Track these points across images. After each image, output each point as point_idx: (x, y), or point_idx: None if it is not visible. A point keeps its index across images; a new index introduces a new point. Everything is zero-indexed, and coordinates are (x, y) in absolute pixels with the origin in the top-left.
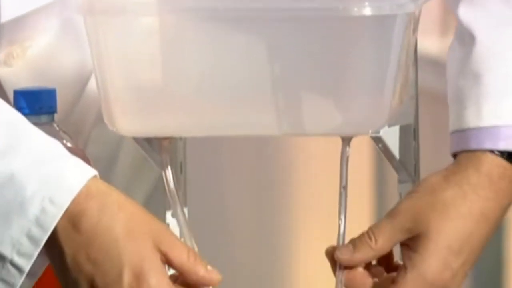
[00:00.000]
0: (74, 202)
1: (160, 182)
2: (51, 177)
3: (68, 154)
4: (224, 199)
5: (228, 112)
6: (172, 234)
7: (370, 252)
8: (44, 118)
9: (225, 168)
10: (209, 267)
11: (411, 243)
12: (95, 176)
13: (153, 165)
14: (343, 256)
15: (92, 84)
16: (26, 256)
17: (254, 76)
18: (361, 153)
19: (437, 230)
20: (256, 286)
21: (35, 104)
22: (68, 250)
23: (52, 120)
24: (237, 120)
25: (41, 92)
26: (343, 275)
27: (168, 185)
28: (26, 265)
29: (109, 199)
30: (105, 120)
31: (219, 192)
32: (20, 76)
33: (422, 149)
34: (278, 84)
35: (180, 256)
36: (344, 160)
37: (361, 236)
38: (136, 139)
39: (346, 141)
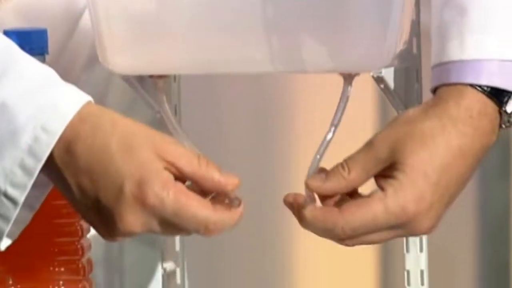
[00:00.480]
0: (67, 128)
1: (150, 125)
2: (44, 104)
3: (61, 81)
4: (221, 143)
5: (223, 46)
6: (177, 144)
7: (343, 182)
8: (35, 59)
9: (222, 111)
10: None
11: (386, 172)
12: (89, 102)
13: (144, 108)
14: (314, 182)
15: (82, 25)
16: (20, 187)
17: (250, 8)
18: (364, 100)
19: (413, 159)
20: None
21: (26, 44)
22: (69, 176)
23: (43, 61)
24: (233, 56)
25: (32, 32)
26: (313, 209)
27: (170, 120)
28: (20, 197)
29: (102, 119)
30: (99, 58)
31: (215, 135)
32: (8, 18)
33: (425, 92)
34: (275, 17)
35: (190, 163)
36: (343, 99)
37: (335, 166)
38: (128, 81)
39: (348, 80)
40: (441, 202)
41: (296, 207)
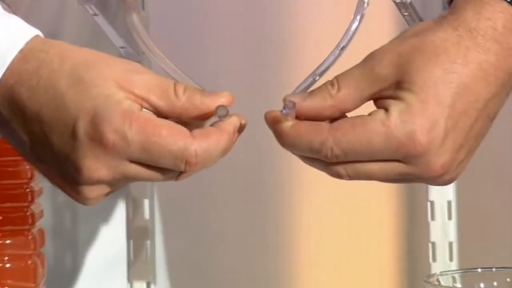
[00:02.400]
0: (7, 71)
1: None
2: None
3: (1, 12)
4: (203, 64)
5: None
6: (146, 72)
7: (328, 100)
8: None
9: (203, 23)
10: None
11: (388, 92)
12: (35, 37)
13: (108, 43)
14: (293, 98)
15: None
16: None
17: None
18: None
19: (422, 76)
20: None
21: None
22: (18, 126)
23: None
24: None
25: None
26: (298, 122)
27: (140, 36)
28: None
29: (49, 54)
30: None
31: (195, 54)
32: None
33: None
34: None
35: (166, 94)
36: (356, 16)
37: (323, 83)
38: (87, 4)
39: None
40: (459, 132)
41: (276, 121)
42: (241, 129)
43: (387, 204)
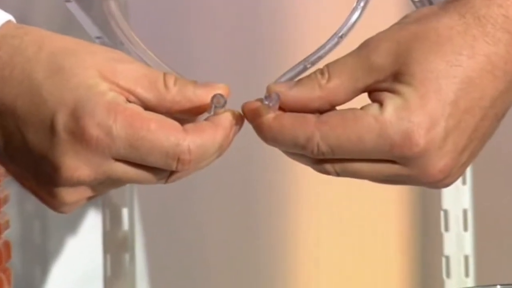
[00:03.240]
0: None
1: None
2: None
3: None
4: (189, 56)
5: None
6: (132, 62)
7: (316, 90)
8: None
9: (187, 13)
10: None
11: (384, 85)
12: (7, 22)
13: (81, 31)
14: (277, 87)
15: None
16: None
17: None
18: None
19: (423, 67)
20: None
21: None
22: None
23: None
24: None
25: None
26: (281, 114)
27: (113, 17)
28: None
29: (24, 41)
30: None
31: (180, 46)
32: None
33: None
34: None
35: (155, 85)
36: (360, 3)
37: (312, 72)
38: None
39: None
40: (461, 132)
41: (257, 114)
42: (238, 124)
43: (395, 213)
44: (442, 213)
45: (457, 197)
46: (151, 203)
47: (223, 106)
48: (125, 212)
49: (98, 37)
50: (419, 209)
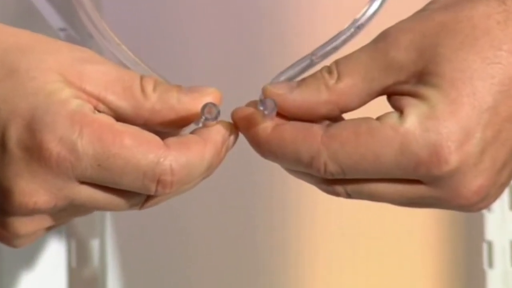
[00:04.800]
0: None
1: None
2: None
3: None
4: (173, 54)
5: None
6: (103, 62)
7: (323, 93)
8: None
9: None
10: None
11: (406, 87)
12: None
13: (43, 24)
14: (276, 89)
15: None
16: None
17: None
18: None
19: (453, 66)
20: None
21: None
22: None
23: None
24: None
25: None
26: (281, 125)
27: (82, 5)
28: None
29: None
30: None
31: (162, 41)
32: None
33: None
34: None
35: (130, 91)
36: None
37: (318, 70)
38: None
39: None
40: (501, 146)
41: (251, 123)
42: (231, 137)
43: (425, 243)
44: (485, 246)
45: (502, 226)
46: (126, 233)
47: (216, 118)
48: (94, 244)
49: (62, 29)
50: (455, 240)
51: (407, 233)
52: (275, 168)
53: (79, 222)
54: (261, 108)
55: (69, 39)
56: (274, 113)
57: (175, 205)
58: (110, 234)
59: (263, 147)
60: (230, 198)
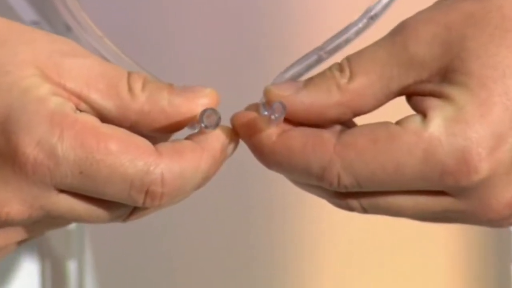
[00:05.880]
0: None
1: None
2: None
3: None
4: (162, 48)
5: None
6: (86, 55)
7: (334, 94)
8: None
9: None
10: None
11: (428, 86)
12: None
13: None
14: (280, 90)
15: None
16: None
17: None
18: None
19: (482, 62)
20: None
21: None
22: None
23: None
24: None
25: None
26: (288, 132)
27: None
28: None
29: None
30: None
31: (150, 35)
32: None
33: None
34: None
35: (115, 90)
36: None
37: (328, 68)
38: None
39: None
40: None
41: (253, 129)
42: (231, 144)
43: (446, 265)
44: None
45: None
46: (108, 253)
47: (217, 125)
48: (71, 265)
49: (34, 22)
50: (483, 262)
51: (421, 256)
52: (274, 174)
53: (55, 239)
54: (266, 113)
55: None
56: (282, 118)
57: (160, 222)
58: (89, 253)
59: (267, 157)
60: (222, 218)
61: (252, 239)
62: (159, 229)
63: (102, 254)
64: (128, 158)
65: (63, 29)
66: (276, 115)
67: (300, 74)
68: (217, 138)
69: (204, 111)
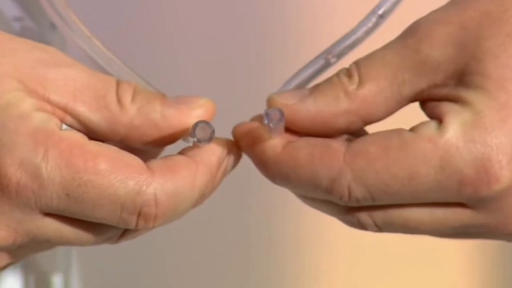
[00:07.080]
0: None
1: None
2: None
3: None
4: (155, 52)
5: None
6: (71, 64)
7: (341, 101)
8: None
9: None
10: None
11: (444, 90)
12: None
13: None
14: (284, 99)
15: None
16: None
17: None
18: None
19: (501, 62)
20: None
21: None
22: None
23: None
24: None
25: None
26: (294, 142)
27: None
28: None
29: None
30: None
31: (142, 38)
32: None
33: None
34: None
35: (104, 102)
36: None
37: (335, 73)
38: None
39: None
40: None
41: (255, 139)
42: (230, 158)
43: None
44: None
45: None
46: (95, 267)
47: (210, 140)
48: (57, 280)
49: (17, 19)
50: (504, 281)
51: (437, 275)
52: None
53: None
54: (266, 121)
55: (26, 31)
56: (282, 126)
57: (149, 235)
58: (76, 267)
59: (271, 170)
60: (220, 220)
61: (251, 240)
62: (148, 243)
63: (89, 268)
64: (118, 178)
65: (48, 26)
66: (272, 123)
67: (306, 81)
68: (213, 152)
69: (196, 124)
